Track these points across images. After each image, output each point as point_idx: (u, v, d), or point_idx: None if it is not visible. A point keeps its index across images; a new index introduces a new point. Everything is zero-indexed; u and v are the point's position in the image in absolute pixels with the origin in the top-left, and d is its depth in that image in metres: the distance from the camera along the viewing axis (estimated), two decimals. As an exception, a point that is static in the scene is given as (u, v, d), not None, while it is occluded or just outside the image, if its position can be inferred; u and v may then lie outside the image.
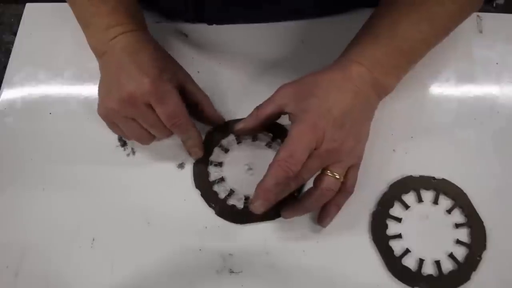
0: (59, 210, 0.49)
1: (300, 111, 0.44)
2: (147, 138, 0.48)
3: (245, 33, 0.58)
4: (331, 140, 0.43)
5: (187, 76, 0.50)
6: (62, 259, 0.46)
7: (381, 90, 0.47)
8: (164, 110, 0.44)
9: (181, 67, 0.50)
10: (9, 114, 0.54)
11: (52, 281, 0.46)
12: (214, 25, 0.58)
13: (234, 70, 0.56)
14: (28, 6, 0.61)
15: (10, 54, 0.58)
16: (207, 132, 0.52)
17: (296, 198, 0.47)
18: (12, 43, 0.58)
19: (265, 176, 0.42)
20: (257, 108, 0.47)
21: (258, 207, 0.43)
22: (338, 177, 0.44)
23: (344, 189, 0.45)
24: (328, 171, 0.44)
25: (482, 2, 0.50)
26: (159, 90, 0.44)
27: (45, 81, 0.56)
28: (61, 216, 0.48)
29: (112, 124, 0.47)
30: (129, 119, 0.46)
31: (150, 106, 0.44)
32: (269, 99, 0.47)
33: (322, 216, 0.46)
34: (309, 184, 0.45)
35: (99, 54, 0.48)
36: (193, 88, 0.49)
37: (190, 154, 0.50)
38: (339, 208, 0.46)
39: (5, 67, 0.57)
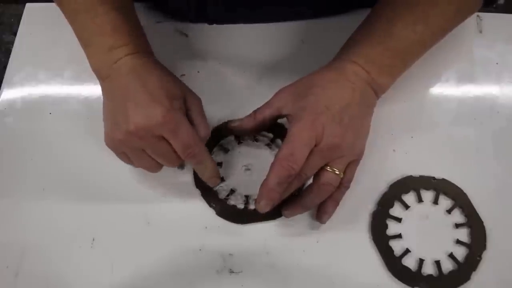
0: (59, 210, 0.49)
1: (298, 110, 0.44)
2: (156, 167, 0.46)
3: (246, 33, 0.58)
4: (331, 136, 0.43)
5: (195, 101, 0.47)
6: (62, 259, 0.46)
7: (377, 88, 0.47)
8: (179, 142, 0.42)
9: (190, 91, 0.47)
10: (9, 114, 0.54)
11: (52, 281, 0.46)
12: (214, 25, 0.59)
13: (234, 70, 0.56)
14: (28, 6, 0.61)
15: (10, 54, 0.58)
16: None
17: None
18: (12, 43, 0.58)
19: (267, 176, 0.43)
20: (255, 111, 0.47)
21: (263, 207, 0.43)
22: (338, 172, 0.44)
23: (341, 184, 0.45)
24: (328, 167, 0.44)
25: (481, 4, 0.50)
26: (172, 121, 0.41)
27: (45, 81, 0.56)
28: (61, 216, 0.48)
29: (121, 154, 0.45)
30: (137, 150, 0.44)
31: (161, 138, 0.42)
32: (266, 103, 0.47)
33: (321, 213, 0.46)
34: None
35: (102, 77, 0.45)
36: (197, 118, 0.46)
37: (207, 183, 0.48)
38: (337, 203, 0.46)
39: (5, 67, 0.57)
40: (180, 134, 0.42)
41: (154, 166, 0.46)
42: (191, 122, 0.45)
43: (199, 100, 0.47)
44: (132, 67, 0.44)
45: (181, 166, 0.50)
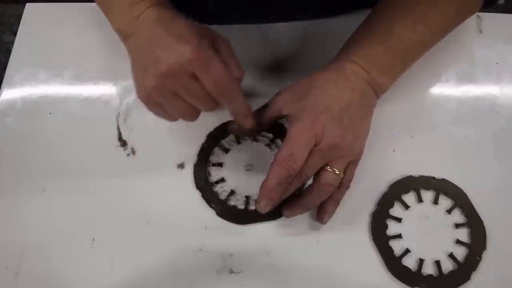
0: (59, 210, 0.49)
1: (298, 110, 0.44)
2: (192, 113, 0.44)
3: (246, 33, 0.58)
4: (331, 136, 0.43)
5: (224, 41, 0.45)
6: (62, 259, 0.46)
7: (377, 88, 0.47)
8: (211, 78, 0.40)
9: (217, 33, 0.45)
10: (9, 114, 0.54)
11: (52, 281, 0.46)
12: (214, 25, 0.58)
13: (234, 70, 0.56)
14: (28, 6, 0.61)
15: (10, 54, 0.58)
16: (208, 133, 0.52)
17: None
18: (12, 43, 0.58)
19: (267, 176, 0.43)
20: (255, 112, 0.47)
21: (263, 207, 0.43)
22: (338, 172, 0.44)
23: (341, 184, 0.45)
24: (328, 167, 0.44)
25: (481, 4, 0.50)
26: (202, 57, 0.40)
27: (45, 81, 0.56)
28: (61, 216, 0.48)
29: (154, 106, 0.43)
30: (172, 95, 0.42)
31: (193, 76, 0.40)
32: (266, 103, 0.47)
33: (321, 213, 0.46)
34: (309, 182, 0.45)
35: (125, 37, 0.45)
36: (228, 58, 0.44)
37: (242, 125, 0.46)
38: (337, 204, 0.46)
39: (5, 67, 0.57)
40: (211, 71, 0.40)
41: (190, 111, 0.44)
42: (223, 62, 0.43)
43: (228, 41, 0.45)
44: (155, 17, 0.43)
45: (181, 166, 0.50)
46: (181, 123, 0.52)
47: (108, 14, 0.46)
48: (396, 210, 0.48)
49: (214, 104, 0.43)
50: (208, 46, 0.42)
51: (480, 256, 0.46)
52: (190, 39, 0.40)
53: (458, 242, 0.47)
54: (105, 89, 0.55)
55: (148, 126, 0.52)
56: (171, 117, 0.45)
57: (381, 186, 0.49)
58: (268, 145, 0.51)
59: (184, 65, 0.40)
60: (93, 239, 0.47)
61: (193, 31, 0.41)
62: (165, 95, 0.42)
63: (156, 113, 0.44)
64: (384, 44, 0.47)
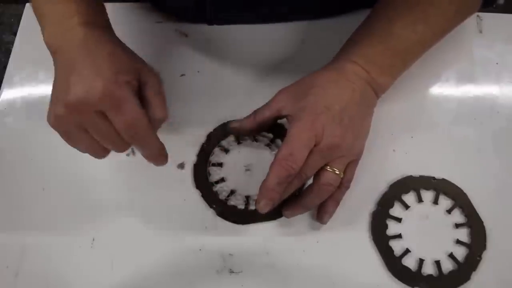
0: (59, 210, 0.49)
1: (298, 110, 0.44)
2: (100, 151, 0.42)
3: (246, 33, 0.58)
4: (331, 136, 0.43)
5: (152, 77, 0.42)
6: (62, 259, 0.46)
7: (377, 88, 0.47)
8: (122, 119, 0.38)
9: (147, 67, 0.42)
10: (9, 114, 0.54)
11: (52, 281, 0.46)
12: (214, 25, 0.59)
13: (234, 70, 0.56)
14: (28, 6, 0.61)
15: (10, 54, 0.58)
16: (208, 133, 0.52)
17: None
18: (12, 43, 0.58)
19: (267, 176, 0.43)
20: (255, 112, 0.47)
21: (262, 207, 0.43)
22: (338, 172, 0.44)
23: (341, 184, 0.45)
24: (328, 167, 0.44)
25: (480, 4, 0.50)
26: (114, 95, 0.37)
27: (45, 81, 0.56)
28: (61, 216, 0.48)
29: (64, 134, 0.40)
30: (78, 128, 0.39)
31: (103, 114, 0.38)
32: (266, 103, 0.47)
33: (321, 213, 0.46)
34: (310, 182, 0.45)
35: (53, 50, 0.41)
36: (152, 97, 0.41)
37: (153, 163, 0.43)
38: (337, 204, 0.46)
39: (5, 67, 0.57)
40: (122, 111, 0.37)
41: (97, 149, 0.41)
42: (146, 101, 0.41)
43: (156, 77, 0.42)
44: (83, 39, 0.40)
45: (181, 166, 0.50)
46: (181, 123, 0.52)
47: (40, 24, 0.43)
48: (396, 210, 0.48)
49: (124, 146, 0.41)
50: (126, 82, 0.39)
51: (480, 256, 0.46)
52: (106, 73, 0.38)
53: (458, 242, 0.47)
54: (105, 89, 0.55)
55: (148, 126, 0.52)
56: (79, 148, 0.42)
57: (381, 186, 0.49)
58: (268, 145, 0.51)
59: (93, 101, 0.37)
60: (93, 239, 0.47)
61: (112, 65, 0.39)
62: (71, 127, 0.39)
63: (66, 141, 0.41)
64: (384, 44, 0.47)
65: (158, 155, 0.42)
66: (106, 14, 0.44)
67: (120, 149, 0.41)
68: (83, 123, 0.39)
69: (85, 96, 0.37)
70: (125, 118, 0.38)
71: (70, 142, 0.41)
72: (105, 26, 0.43)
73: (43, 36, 0.42)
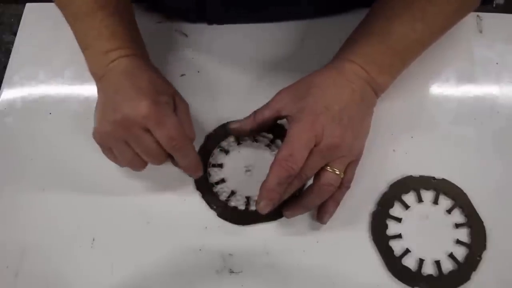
0: (59, 210, 0.49)
1: (298, 111, 0.44)
2: (139, 164, 0.45)
3: (246, 33, 0.58)
4: (331, 136, 0.43)
5: (183, 104, 0.47)
6: (62, 259, 0.46)
7: (377, 88, 0.47)
8: (165, 133, 0.42)
9: (179, 94, 0.48)
10: (9, 114, 0.54)
11: (52, 281, 0.46)
12: (214, 25, 0.58)
13: (234, 70, 0.56)
14: (28, 6, 0.61)
15: (10, 54, 0.58)
16: (207, 134, 0.52)
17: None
18: (12, 43, 0.58)
19: (267, 177, 0.43)
20: (254, 112, 0.47)
21: (263, 207, 0.43)
22: (338, 172, 0.44)
23: (341, 184, 0.45)
24: (328, 167, 0.44)
25: (479, 2, 0.50)
26: (158, 113, 0.42)
27: (45, 81, 0.56)
28: (61, 216, 0.48)
29: (107, 150, 0.45)
30: (122, 143, 0.44)
31: (146, 130, 0.42)
32: (266, 104, 0.47)
33: (322, 213, 0.46)
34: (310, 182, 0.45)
35: (98, 78, 0.46)
36: (184, 119, 0.46)
37: (190, 175, 0.48)
38: (338, 204, 0.46)
39: (5, 67, 0.57)
40: (165, 126, 0.42)
41: (138, 162, 0.45)
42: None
43: (186, 104, 0.47)
44: (125, 67, 0.45)
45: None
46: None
47: (85, 54, 0.47)
48: (396, 210, 0.48)
49: (163, 159, 0.45)
50: (166, 103, 0.44)
51: (480, 256, 0.46)
52: (149, 94, 0.42)
53: (458, 242, 0.47)
54: (105, 89, 0.55)
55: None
56: (119, 163, 0.46)
57: (381, 186, 0.49)
58: (268, 145, 0.51)
59: (139, 118, 0.42)
60: (93, 239, 0.47)
61: (153, 87, 0.44)
62: (116, 142, 0.44)
63: (107, 156, 0.46)
64: (383, 43, 0.47)
65: (196, 166, 0.46)
66: (144, 45, 0.50)
67: (158, 162, 0.45)
68: (127, 138, 0.43)
69: (131, 114, 0.42)
70: (167, 132, 0.42)
71: (112, 156, 0.46)
72: (144, 57, 0.48)
73: (88, 66, 0.47)
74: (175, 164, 0.46)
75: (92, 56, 0.47)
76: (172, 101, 0.45)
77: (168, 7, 0.59)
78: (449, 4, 0.47)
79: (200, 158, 0.47)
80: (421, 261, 0.46)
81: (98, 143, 0.45)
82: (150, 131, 0.42)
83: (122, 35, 0.46)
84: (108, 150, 0.45)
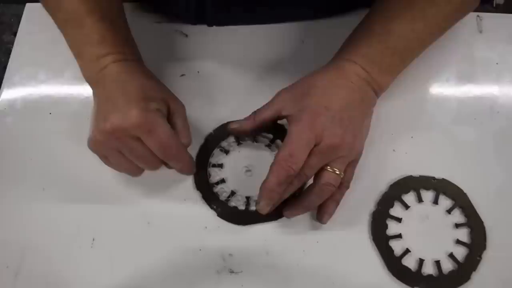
0: (59, 210, 0.49)
1: (298, 111, 0.44)
2: (135, 171, 0.46)
3: (246, 33, 0.58)
4: (331, 136, 0.43)
5: (179, 107, 0.47)
6: (62, 259, 0.46)
7: (377, 87, 0.47)
8: (156, 141, 0.42)
9: (174, 97, 0.47)
10: (9, 114, 0.54)
11: (52, 281, 0.46)
12: (214, 26, 0.58)
13: (234, 70, 0.56)
14: (28, 6, 0.61)
15: (10, 54, 0.58)
16: (207, 134, 0.52)
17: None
18: (12, 43, 0.58)
19: (267, 177, 0.43)
20: (255, 112, 0.47)
21: (263, 207, 0.43)
22: (338, 172, 0.44)
23: (341, 184, 0.45)
24: (328, 167, 0.44)
25: (479, 2, 0.50)
26: (147, 121, 0.42)
27: (45, 81, 0.56)
28: (61, 216, 0.48)
29: (103, 157, 0.45)
30: (115, 151, 0.44)
31: (137, 139, 0.42)
32: (266, 104, 0.47)
33: (322, 213, 0.46)
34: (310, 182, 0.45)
35: (92, 84, 0.47)
36: (179, 124, 0.46)
37: (184, 174, 0.48)
38: (337, 204, 0.46)
39: (5, 67, 0.57)
40: (156, 135, 0.42)
41: (133, 169, 0.46)
42: (173, 127, 0.45)
43: (183, 107, 0.47)
44: (116, 73, 0.45)
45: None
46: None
47: (78, 62, 0.47)
48: (396, 210, 0.48)
49: (157, 165, 0.45)
50: (157, 110, 0.43)
51: (480, 256, 0.46)
52: (139, 102, 0.42)
53: (458, 242, 0.47)
54: (105, 89, 0.55)
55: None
56: (116, 169, 0.47)
57: (381, 186, 0.49)
58: (268, 145, 0.51)
59: (129, 127, 0.42)
60: (93, 239, 0.47)
61: (143, 94, 0.43)
62: (109, 151, 0.44)
63: (105, 163, 0.46)
64: (383, 43, 0.47)
65: (189, 168, 0.47)
66: (136, 47, 0.49)
67: (153, 168, 0.45)
68: (119, 147, 0.43)
69: (120, 124, 0.41)
70: (158, 140, 0.42)
71: (109, 163, 0.46)
72: (136, 59, 0.48)
73: (82, 72, 0.47)
74: (169, 167, 0.46)
75: (84, 62, 0.46)
76: (165, 106, 0.45)
77: (168, 9, 0.59)
78: (449, 4, 0.47)
79: (193, 159, 0.47)
80: (421, 261, 0.46)
81: (93, 151, 0.45)
82: (141, 140, 0.42)
83: (112, 40, 0.45)
84: (104, 158, 0.46)
